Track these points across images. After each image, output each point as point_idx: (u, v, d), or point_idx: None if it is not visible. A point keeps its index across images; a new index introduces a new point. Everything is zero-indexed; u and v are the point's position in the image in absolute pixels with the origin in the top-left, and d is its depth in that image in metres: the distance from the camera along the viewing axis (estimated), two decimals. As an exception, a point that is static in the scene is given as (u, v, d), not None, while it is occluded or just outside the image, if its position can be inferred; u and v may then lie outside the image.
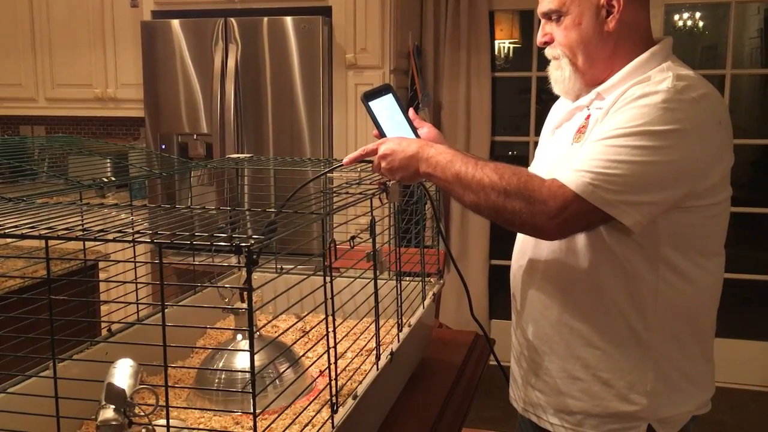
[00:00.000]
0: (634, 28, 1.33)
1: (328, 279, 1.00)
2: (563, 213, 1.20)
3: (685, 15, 4.12)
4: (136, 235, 0.79)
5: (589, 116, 1.36)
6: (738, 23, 3.82)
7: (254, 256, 0.74)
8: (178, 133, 3.62)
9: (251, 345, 0.75)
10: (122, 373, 0.86)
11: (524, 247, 1.45)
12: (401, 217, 1.71)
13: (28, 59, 4.22)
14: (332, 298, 0.99)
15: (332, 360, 1.02)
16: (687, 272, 1.30)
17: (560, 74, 1.38)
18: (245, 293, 0.80)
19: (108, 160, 1.81)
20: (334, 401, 1.06)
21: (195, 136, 3.59)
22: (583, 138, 1.32)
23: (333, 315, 1.00)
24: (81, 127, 4.64)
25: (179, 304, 1.50)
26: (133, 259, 1.36)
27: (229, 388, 1.29)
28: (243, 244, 0.73)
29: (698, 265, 1.31)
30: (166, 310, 1.61)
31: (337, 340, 1.28)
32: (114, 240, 0.78)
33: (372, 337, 1.31)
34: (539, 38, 1.39)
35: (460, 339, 1.99)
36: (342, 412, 1.09)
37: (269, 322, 1.52)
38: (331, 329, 1.00)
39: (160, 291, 0.80)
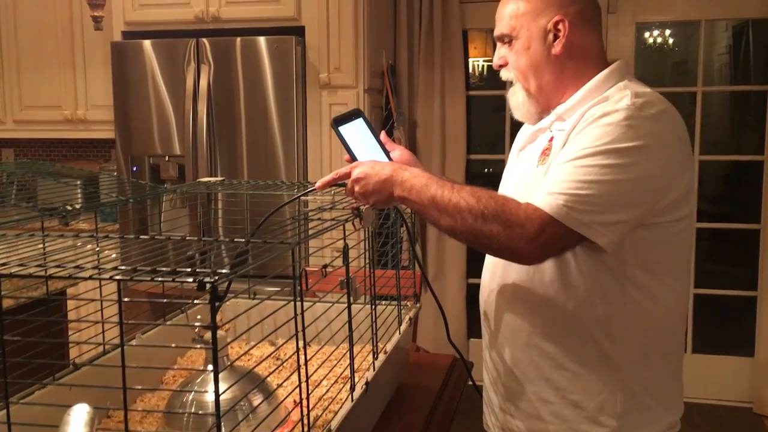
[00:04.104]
0: (584, 51, 1.35)
1: (299, 311, 0.96)
2: (541, 236, 1.19)
3: (656, 32, 4.17)
4: (95, 271, 0.76)
5: (552, 138, 1.36)
6: (707, 40, 3.87)
7: (219, 292, 0.71)
8: (149, 154, 3.56)
9: (216, 387, 0.71)
10: (77, 421, 0.81)
11: (493, 269, 1.44)
12: (377, 240, 1.68)
13: (-5, 81, 4.15)
14: (303, 330, 0.96)
15: (305, 395, 0.98)
16: (654, 291, 1.30)
17: (515, 100, 1.42)
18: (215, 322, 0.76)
19: (77, 186, 1.76)
20: (307, 436, 1.02)
21: (167, 158, 3.53)
22: (548, 160, 1.32)
23: (305, 348, 0.97)
24: (51, 149, 4.56)
25: (139, 345, 1.45)
26: (98, 290, 1.31)
27: (200, 421, 1.24)
28: (207, 280, 0.70)
29: (665, 283, 1.31)
30: (133, 342, 1.56)
31: (313, 369, 1.23)
32: (70, 277, 0.75)
33: (348, 365, 1.27)
34: (495, 61, 1.42)
35: (438, 363, 1.96)
36: (316, 447, 1.06)
37: (245, 353, 1.48)
38: (302, 363, 0.96)
39: (119, 329, 0.76)
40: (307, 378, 0.99)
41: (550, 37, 1.33)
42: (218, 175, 3.47)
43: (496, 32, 1.40)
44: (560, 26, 1.32)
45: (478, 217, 1.20)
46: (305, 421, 0.99)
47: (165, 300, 1.18)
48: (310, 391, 1.05)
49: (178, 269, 0.74)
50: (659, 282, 1.30)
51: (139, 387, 0.83)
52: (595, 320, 1.29)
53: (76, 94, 4.05)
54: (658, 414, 1.34)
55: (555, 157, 1.29)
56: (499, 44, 1.41)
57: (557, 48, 1.33)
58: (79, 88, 4.04)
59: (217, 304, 0.71)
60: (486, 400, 1.52)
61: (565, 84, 1.35)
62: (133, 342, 1.50)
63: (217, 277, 0.71)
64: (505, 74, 1.41)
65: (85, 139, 4.31)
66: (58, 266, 0.78)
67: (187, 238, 1.00)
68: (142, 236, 0.97)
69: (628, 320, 1.29)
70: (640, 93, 1.26)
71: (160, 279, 0.73)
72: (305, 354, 0.96)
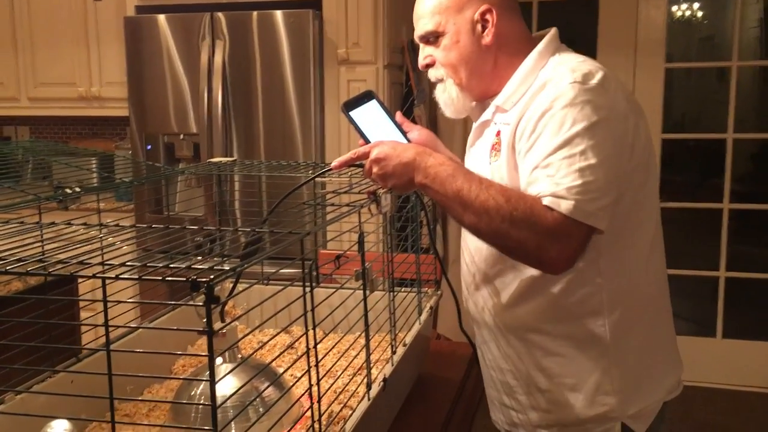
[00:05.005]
0: (512, 37, 1.33)
1: (309, 307, 0.88)
2: (571, 241, 1.13)
3: (684, 6, 4.01)
4: (80, 266, 0.68)
5: (499, 132, 1.30)
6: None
7: (215, 294, 0.62)
8: (164, 132, 3.49)
9: (213, 403, 0.63)
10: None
11: (471, 261, 1.38)
12: (395, 223, 1.60)
13: (9, 57, 4.08)
14: (314, 329, 0.88)
15: (315, 398, 0.90)
16: (630, 263, 1.27)
17: (447, 96, 1.37)
18: (226, 307, 0.68)
19: (92, 166, 1.70)
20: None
21: (182, 136, 3.45)
22: (500, 156, 1.27)
23: (315, 348, 0.88)
24: (66, 127, 4.50)
25: (123, 350, 1.38)
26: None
27: (208, 417, 1.17)
28: (201, 281, 0.61)
29: (639, 253, 1.28)
30: (138, 332, 1.49)
31: (330, 361, 1.15)
32: (49, 274, 0.67)
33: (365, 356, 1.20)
34: (420, 62, 1.38)
35: (460, 352, 1.88)
36: (330, 450, 0.98)
37: (257, 349, 1.40)
38: (313, 364, 0.88)
39: (105, 330, 0.68)
40: (319, 380, 0.91)
41: (479, 27, 1.30)
42: (234, 153, 3.39)
43: (419, 32, 1.35)
44: (488, 16, 1.29)
45: (506, 219, 1.13)
46: (317, 428, 0.91)
47: (155, 302, 1.10)
48: (326, 384, 0.97)
49: (171, 265, 0.66)
50: (634, 253, 1.27)
51: (125, 398, 0.75)
52: (578, 301, 1.25)
53: (90, 70, 3.98)
54: (655, 381, 1.32)
55: (508, 152, 1.24)
56: (422, 44, 1.37)
57: (488, 38, 1.30)
58: (93, 65, 3.97)
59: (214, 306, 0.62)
60: (488, 396, 1.48)
61: (499, 74, 1.32)
62: (136, 332, 1.43)
63: (212, 276, 0.62)
64: (433, 73, 1.37)
65: (100, 116, 4.24)
66: (40, 260, 0.70)
67: (188, 227, 0.91)
68: (139, 225, 0.89)
69: (609, 296, 1.25)
70: (575, 67, 1.21)
71: (147, 278, 0.65)
72: (316, 355, 0.88)
